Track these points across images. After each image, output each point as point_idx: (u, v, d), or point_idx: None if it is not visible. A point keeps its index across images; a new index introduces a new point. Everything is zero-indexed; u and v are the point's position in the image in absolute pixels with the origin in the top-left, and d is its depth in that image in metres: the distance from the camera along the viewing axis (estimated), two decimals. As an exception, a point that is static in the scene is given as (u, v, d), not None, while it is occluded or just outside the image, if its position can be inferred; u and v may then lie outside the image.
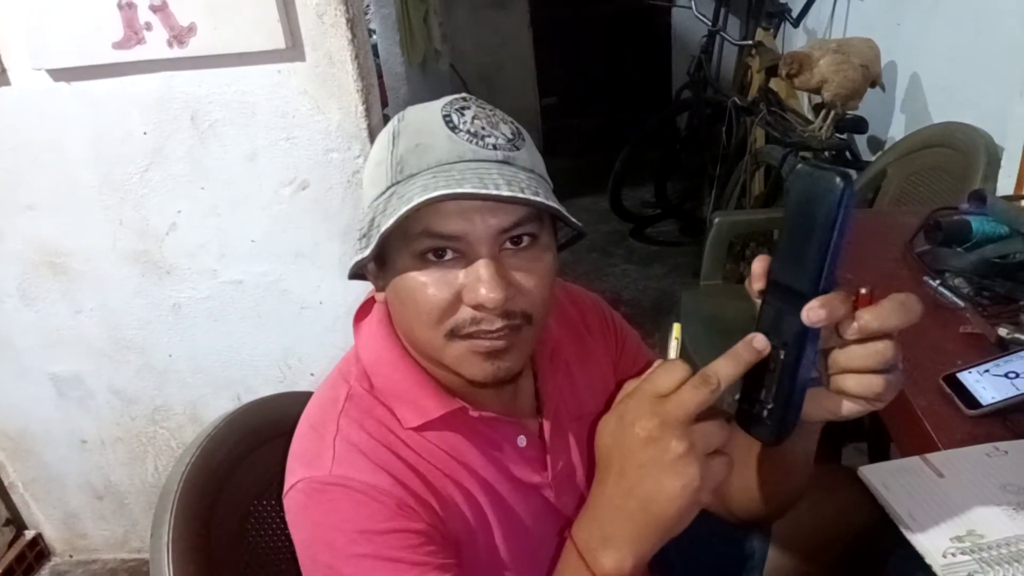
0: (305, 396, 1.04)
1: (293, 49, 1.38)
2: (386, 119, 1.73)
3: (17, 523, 2.09)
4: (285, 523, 0.97)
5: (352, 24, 1.37)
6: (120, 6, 1.34)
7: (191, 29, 1.36)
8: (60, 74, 1.45)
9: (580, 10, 4.84)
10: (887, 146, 2.39)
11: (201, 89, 1.44)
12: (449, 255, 0.70)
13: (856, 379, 0.61)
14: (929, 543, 0.70)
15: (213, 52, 1.39)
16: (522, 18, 4.78)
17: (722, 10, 3.51)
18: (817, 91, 2.32)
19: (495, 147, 0.71)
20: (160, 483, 0.89)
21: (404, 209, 0.65)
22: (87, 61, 1.42)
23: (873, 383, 0.60)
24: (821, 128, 2.40)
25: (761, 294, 0.62)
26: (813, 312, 0.56)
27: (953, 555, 0.69)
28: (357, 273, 0.79)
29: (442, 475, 0.77)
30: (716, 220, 2.22)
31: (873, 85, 2.28)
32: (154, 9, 1.34)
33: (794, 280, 0.58)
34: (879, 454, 1.82)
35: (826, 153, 2.49)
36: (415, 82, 3.50)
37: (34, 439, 1.93)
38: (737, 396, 0.65)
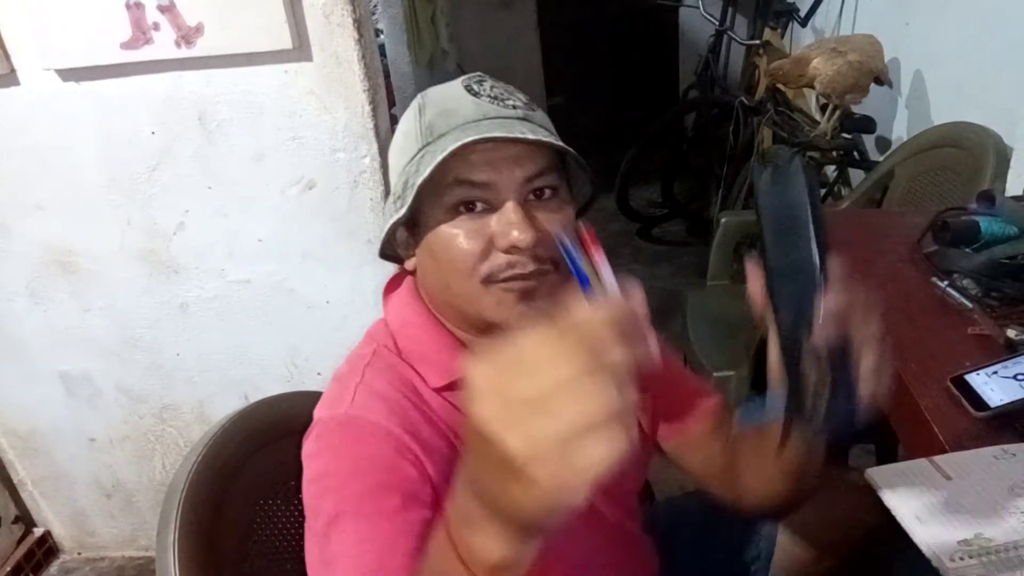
0: (312, 396, 1.04)
1: (300, 49, 1.38)
2: (393, 119, 1.73)
3: (26, 520, 2.09)
4: (292, 523, 0.98)
5: (359, 24, 1.37)
6: (128, 6, 1.34)
7: (198, 29, 1.36)
8: (68, 74, 1.46)
9: (587, 10, 4.82)
10: (895, 146, 2.38)
11: (208, 89, 1.44)
12: (479, 207, 0.74)
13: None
14: (936, 546, 0.69)
15: (220, 52, 1.39)
16: (529, 18, 4.78)
17: (729, 9, 3.49)
18: (812, 86, 2.32)
19: (515, 107, 0.77)
20: (168, 481, 0.90)
21: (440, 156, 0.70)
22: (95, 61, 1.42)
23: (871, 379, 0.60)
24: (827, 127, 2.39)
25: (767, 291, 0.62)
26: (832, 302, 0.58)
27: (961, 559, 0.68)
28: (386, 253, 0.84)
29: (457, 438, 0.78)
30: (723, 220, 2.21)
31: (879, 83, 2.27)
32: (162, 9, 1.34)
33: (796, 260, 0.59)
34: (887, 456, 1.80)
35: (834, 153, 2.48)
36: (422, 82, 3.50)
37: (43, 437, 1.94)
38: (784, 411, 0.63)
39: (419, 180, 0.71)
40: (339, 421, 0.76)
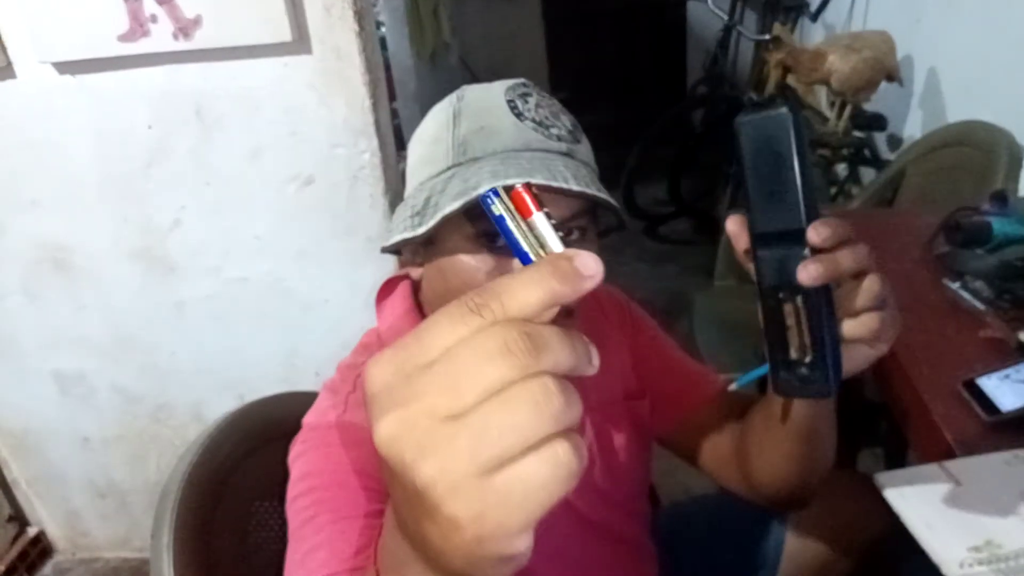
0: (308, 396, 1.02)
1: (299, 42, 1.36)
2: (394, 113, 1.71)
3: (20, 520, 2.08)
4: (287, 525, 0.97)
5: (360, 16, 1.35)
6: (125, -2, 1.33)
7: (197, 21, 1.34)
8: (65, 67, 1.44)
9: (593, 3, 4.80)
10: (906, 144, 2.36)
11: (206, 83, 1.43)
12: (502, 241, 0.69)
13: (850, 322, 0.60)
14: (945, 552, 0.68)
15: (218, 45, 1.37)
16: (534, 11, 4.76)
17: (738, 4, 3.47)
18: (826, 82, 2.30)
19: (559, 138, 0.72)
20: (162, 483, 0.88)
21: (474, 193, 0.64)
22: (92, 54, 1.40)
23: (869, 321, 0.59)
24: (838, 125, 2.37)
25: (749, 253, 0.60)
26: (816, 231, 0.55)
27: (970, 566, 0.67)
28: (391, 248, 0.78)
29: None
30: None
31: (891, 80, 2.25)
32: (160, 1, 1.32)
33: (780, 221, 0.57)
34: (896, 459, 1.79)
35: (844, 151, 2.46)
36: (424, 75, 3.49)
37: (37, 436, 1.92)
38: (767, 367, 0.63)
39: (448, 209, 0.66)
40: (328, 426, 0.74)
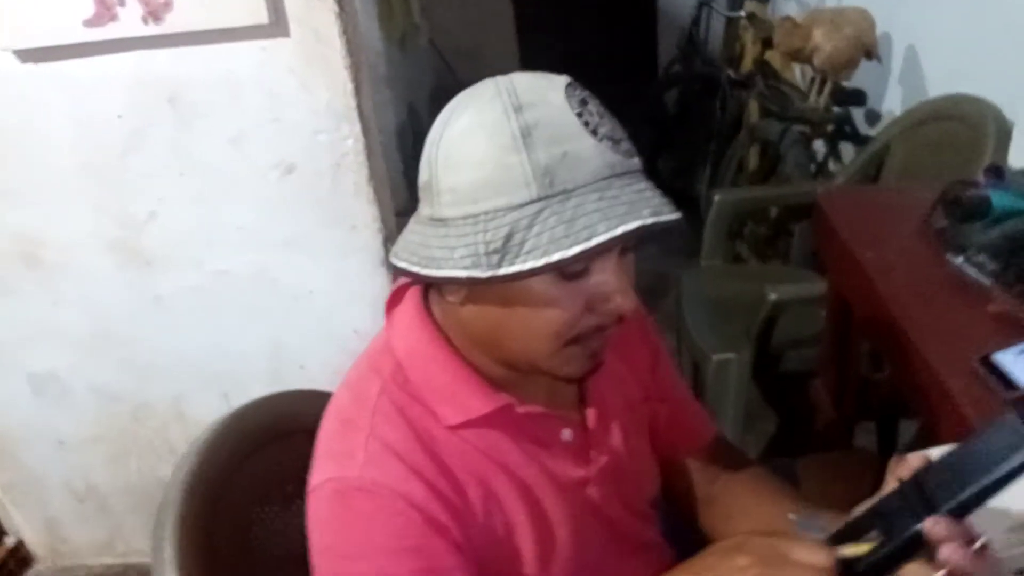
0: (298, 396, 1.00)
1: (277, 24, 1.31)
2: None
3: (-3, 530, 2.02)
4: (292, 529, 0.94)
5: (339, -4, 1.30)
6: (90, -21, 1.27)
7: (167, 4, 1.29)
8: (28, 55, 1.37)
9: (562, -17, 4.76)
10: (886, 119, 2.35)
11: (180, 68, 1.37)
12: (581, 277, 0.67)
13: None
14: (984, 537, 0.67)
15: (191, 29, 1.31)
16: (503, -8, 4.70)
17: (710, -20, 3.45)
18: (808, 60, 2.29)
19: (629, 153, 0.67)
20: (144, 484, 0.85)
21: (594, 241, 0.60)
22: (56, 40, 1.34)
23: None
24: (818, 101, 2.36)
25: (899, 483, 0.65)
26: (936, 529, 0.58)
27: (1011, 547, 0.67)
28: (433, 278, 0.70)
29: (476, 480, 0.73)
30: (717, 198, 2.16)
31: (869, 57, 2.24)
32: (127, -17, 1.27)
33: (938, 493, 0.61)
34: (888, 434, 1.80)
35: (827, 127, 2.45)
36: (395, 59, 3.43)
37: (9, 440, 1.85)
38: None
39: (557, 255, 0.60)
40: (353, 487, 0.69)
